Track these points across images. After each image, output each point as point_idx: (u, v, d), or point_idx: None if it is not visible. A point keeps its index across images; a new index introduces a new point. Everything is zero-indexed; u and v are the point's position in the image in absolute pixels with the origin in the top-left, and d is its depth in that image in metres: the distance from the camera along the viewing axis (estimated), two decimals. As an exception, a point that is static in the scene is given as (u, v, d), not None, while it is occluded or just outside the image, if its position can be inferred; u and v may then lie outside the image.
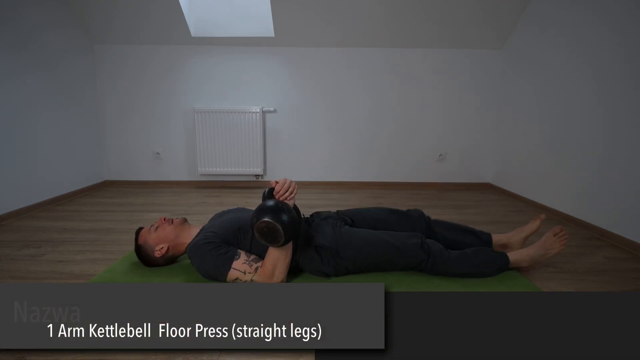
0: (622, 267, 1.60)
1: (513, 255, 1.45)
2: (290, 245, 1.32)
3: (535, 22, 2.62)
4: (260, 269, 1.31)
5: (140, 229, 1.50)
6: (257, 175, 3.27)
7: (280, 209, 1.23)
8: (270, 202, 1.25)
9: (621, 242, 1.86)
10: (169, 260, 1.51)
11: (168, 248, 1.46)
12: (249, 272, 1.30)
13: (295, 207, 1.39)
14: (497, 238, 1.59)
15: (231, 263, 1.30)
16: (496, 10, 2.75)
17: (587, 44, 2.14)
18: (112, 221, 2.20)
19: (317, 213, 1.63)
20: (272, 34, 2.96)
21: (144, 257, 1.48)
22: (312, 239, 1.42)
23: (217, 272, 1.31)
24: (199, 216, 2.32)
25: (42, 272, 1.49)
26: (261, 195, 1.34)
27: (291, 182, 1.32)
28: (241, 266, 1.31)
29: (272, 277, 1.30)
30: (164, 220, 1.49)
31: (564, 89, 2.33)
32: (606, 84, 2.00)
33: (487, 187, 3.30)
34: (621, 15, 1.90)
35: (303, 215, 1.72)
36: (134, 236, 1.89)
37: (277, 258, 1.30)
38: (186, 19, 2.83)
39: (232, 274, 1.30)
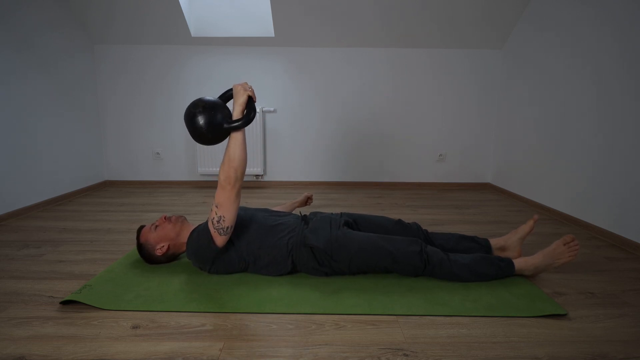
0: (622, 267, 1.60)
1: (517, 264, 1.41)
2: (234, 150, 1.26)
3: (536, 22, 2.62)
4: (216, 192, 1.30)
5: (142, 227, 1.52)
6: (257, 175, 3.27)
7: (195, 105, 1.25)
8: (201, 98, 1.28)
9: (621, 242, 1.86)
10: (170, 257, 1.54)
11: (169, 246, 1.49)
12: (213, 205, 1.31)
13: (250, 106, 1.32)
14: (494, 242, 1.57)
15: (207, 221, 1.34)
16: (496, 10, 2.75)
17: (587, 44, 2.14)
18: (112, 221, 2.20)
19: (314, 213, 1.62)
20: (272, 34, 2.96)
21: (145, 255, 1.50)
22: (307, 239, 1.40)
23: (205, 236, 1.34)
24: (199, 216, 2.32)
25: (42, 272, 1.49)
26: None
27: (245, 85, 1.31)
28: (210, 213, 1.32)
29: (224, 187, 1.26)
30: (165, 218, 1.51)
31: (563, 88, 2.33)
32: (606, 84, 2.00)
33: (486, 187, 3.30)
34: (621, 16, 1.90)
35: (300, 213, 1.71)
36: (133, 236, 1.92)
37: (222, 166, 1.27)
38: (186, 19, 2.83)
39: (210, 222, 1.31)
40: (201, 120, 1.24)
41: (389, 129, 3.23)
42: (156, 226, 1.49)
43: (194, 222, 2.20)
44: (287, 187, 3.24)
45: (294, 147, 3.26)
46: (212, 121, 1.24)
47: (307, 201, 2.02)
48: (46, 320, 1.15)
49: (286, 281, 1.40)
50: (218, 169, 3.13)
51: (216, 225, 1.30)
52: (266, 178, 3.30)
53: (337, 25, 2.88)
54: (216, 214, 1.29)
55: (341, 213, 1.61)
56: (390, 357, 0.99)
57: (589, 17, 2.12)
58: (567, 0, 2.29)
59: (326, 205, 2.62)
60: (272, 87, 3.15)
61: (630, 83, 1.84)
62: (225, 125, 1.26)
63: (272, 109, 3.17)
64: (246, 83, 1.31)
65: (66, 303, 1.25)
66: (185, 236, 1.50)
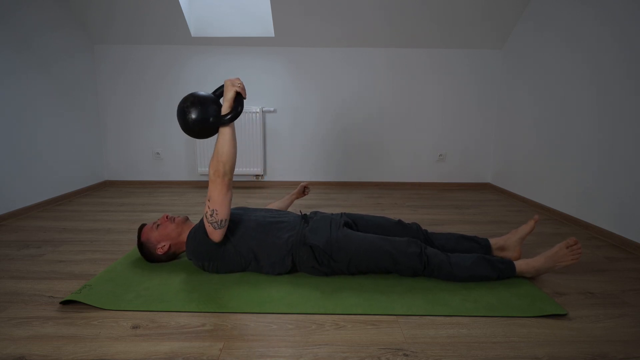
0: (622, 267, 1.60)
1: (518, 266, 1.40)
2: (222, 145, 1.28)
3: (536, 22, 2.62)
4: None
5: (143, 225, 1.52)
6: (257, 175, 3.27)
7: (185, 99, 1.27)
8: (192, 93, 1.30)
9: (621, 242, 1.86)
10: (171, 256, 1.55)
11: (170, 246, 1.49)
12: (206, 199, 1.34)
13: (238, 101, 1.32)
14: (494, 241, 1.57)
15: (203, 217, 1.36)
16: (496, 10, 2.75)
17: (587, 43, 2.14)
18: (112, 221, 2.20)
19: (315, 212, 1.62)
20: (272, 34, 2.96)
21: (146, 253, 1.50)
22: (308, 238, 1.40)
23: (201, 232, 1.37)
24: (199, 216, 2.32)
25: (42, 272, 1.49)
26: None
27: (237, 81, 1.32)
28: (204, 208, 1.35)
29: (214, 181, 1.29)
30: (167, 218, 1.51)
31: (563, 88, 2.33)
32: (606, 84, 2.00)
33: (486, 187, 3.30)
34: (621, 15, 1.90)
35: (300, 212, 1.71)
36: (133, 236, 1.92)
37: (211, 161, 1.30)
38: (186, 19, 2.83)
39: (204, 218, 1.33)
40: (189, 114, 1.26)
41: (389, 128, 3.23)
42: (158, 225, 1.49)
43: (195, 222, 2.20)
44: (287, 187, 3.24)
45: (294, 147, 3.26)
46: (199, 115, 1.26)
47: (304, 191, 1.99)
48: (46, 320, 1.15)
49: (286, 281, 1.40)
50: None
51: (210, 219, 1.31)
52: (266, 178, 3.30)
53: (337, 25, 2.88)
54: (209, 207, 1.31)
55: (342, 213, 1.61)
56: (390, 357, 0.99)
57: (589, 17, 2.12)
58: (567, 0, 2.29)
59: (326, 205, 2.62)
60: (272, 87, 3.15)
61: (630, 83, 1.84)
62: (212, 120, 1.28)
63: (272, 109, 3.17)
64: (238, 79, 1.32)
65: (66, 303, 1.25)
66: (186, 236, 1.50)
